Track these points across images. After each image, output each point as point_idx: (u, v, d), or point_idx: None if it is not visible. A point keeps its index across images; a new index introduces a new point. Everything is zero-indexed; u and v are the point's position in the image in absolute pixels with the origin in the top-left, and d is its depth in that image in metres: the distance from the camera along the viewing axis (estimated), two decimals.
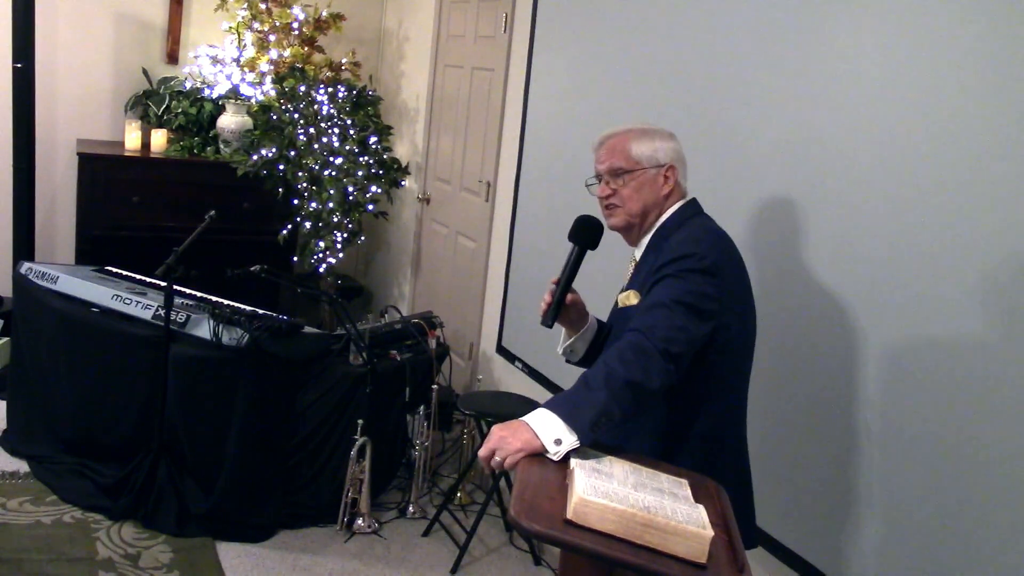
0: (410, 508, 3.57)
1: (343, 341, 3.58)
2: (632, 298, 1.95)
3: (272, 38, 4.94)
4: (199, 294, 3.67)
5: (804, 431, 2.44)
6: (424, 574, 3.21)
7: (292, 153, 4.60)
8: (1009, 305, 1.92)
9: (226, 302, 3.53)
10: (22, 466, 3.53)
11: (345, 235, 4.75)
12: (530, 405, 2.66)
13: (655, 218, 2.01)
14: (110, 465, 3.39)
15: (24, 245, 4.59)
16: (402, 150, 5.26)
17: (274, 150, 4.58)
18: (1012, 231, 1.91)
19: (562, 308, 2.06)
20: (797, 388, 2.46)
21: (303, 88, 4.70)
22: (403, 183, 5.04)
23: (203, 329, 3.27)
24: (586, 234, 2.07)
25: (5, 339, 4.18)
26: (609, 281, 2.21)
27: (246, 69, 4.87)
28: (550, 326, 2.09)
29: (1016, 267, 1.91)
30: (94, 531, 3.16)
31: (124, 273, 3.85)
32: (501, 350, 4.15)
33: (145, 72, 5.04)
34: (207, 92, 4.90)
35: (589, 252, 2.08)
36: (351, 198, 4.67)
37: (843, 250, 2.32)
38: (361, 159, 4.71)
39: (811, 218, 2.42)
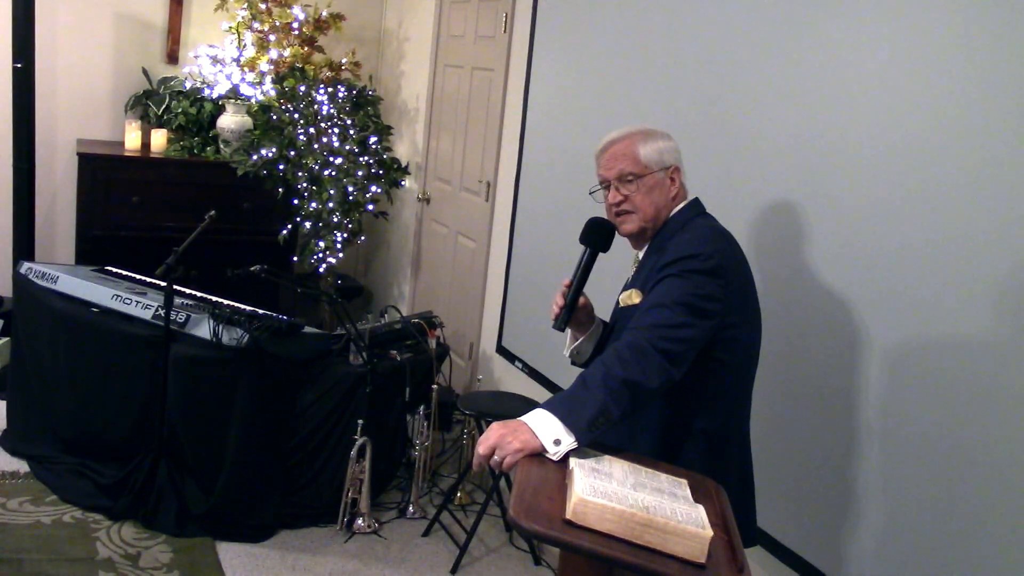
0: (410, 508, 3.57)
1: (343, 341, 3.58)
2: (634, 297, 1.95)
3: (272, 38, 4.94)
4: (199, 294, 3.67)
5: (805, 431, 2.44)
6: (424, 574, 3.21)
7: (292, 153, 4.60)
8: (1014, 306, 1.92)
9: (226, 302, 3.53)
10: (22, 466, 3.53)
11: (345, 235, 4.76)
12: (530, 405, 2.66)
13: (664, 220, 2.00)
14: (110, 465, 3.39)
15: (24, 245, 4.59)
16: (402, 150, 5.27)
17: (274, 150, 4.58)
18: (1018, 231, 1.91)
19: (574, 311, 2.06)
20: (799, 387, 2.46)
21: (303, 88, 4.70)
22: (403, 183, 5.04)
23: (203, 329, 3.27)
24: (597, 236, 2.05)
25: (5, 339, 4.18)
26: (612, 280, 2.21)
27: (246, 69, 4.87)
28: (562, 330, 2.09)
29: (1020, 268, 1.91)
30: (94, 531, 3.16)
31: (124, 273, 3.85)
32: (501, 350, 4.15)
33: (145, 72, 5.04)
34: (207, 92, 4.90)
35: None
36: (351, 198, 4.67)
37: (846, 250, 2.32)
38: (361, 159, 4.72)
39: (814, 218, 2.42)
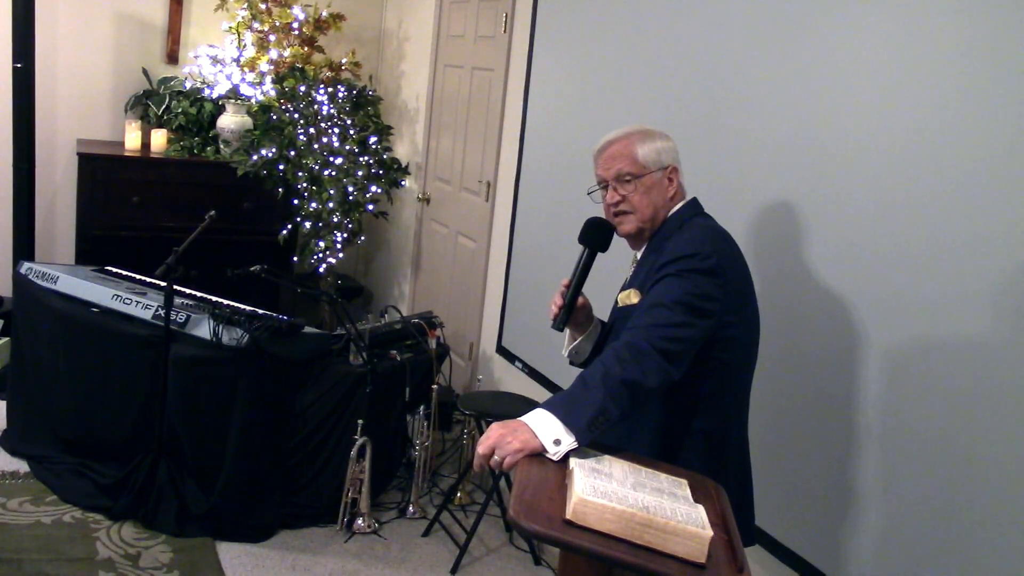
0: (410, 508, 3.57)
1: (343, 341, 3.58)
2: (633, 297, 1.95)
3: (272, 38, 4.94)
4: (199, 294, 3.67)
5: (805, 430, 2.44)
6: (424, 574, 3.21)
7: (292, 153, 4.60)
8: (1014, 306, 1.92)
9: (226, 302, 3.53)
10: (22, 466, 3.53)
11: (345, 235, 4.76)
12: (530, 405, 2.67)
13: (662, 221, 2.00)
14: (110, 465, 3.39)
15: (24, 245, 4.59)
16: (402, 150, 5.27)
17: (274, 150, 4.58)
18: (1016, 232, 1.91)
19: (573, 311, 2.06)
20: (798, 387, 2.46)
21: (303, 88, 4.70)
22: (403, 183, 5.04)
23: (203, 329, 3.27)
24: (596, 236, 2.05)
25: (5, 339, 4.18)
26: (610, 280, 2.21)
27: (246, 69, 4.87)
28: (561, 330, 2.09)
29: (1019, 268, 1.91)
30: (94, 531, 3.16)
31: (124, 273, 3.85)
32: (501, 350, 4.15)
33: (145, 72, 5.04)
34: (207, 92, 4.90)
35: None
36: (351, 198, 4.67)
37: (845, 250, 2.32)
38: (361, 159, 4.72)
39: (813, 218, 2.42)
